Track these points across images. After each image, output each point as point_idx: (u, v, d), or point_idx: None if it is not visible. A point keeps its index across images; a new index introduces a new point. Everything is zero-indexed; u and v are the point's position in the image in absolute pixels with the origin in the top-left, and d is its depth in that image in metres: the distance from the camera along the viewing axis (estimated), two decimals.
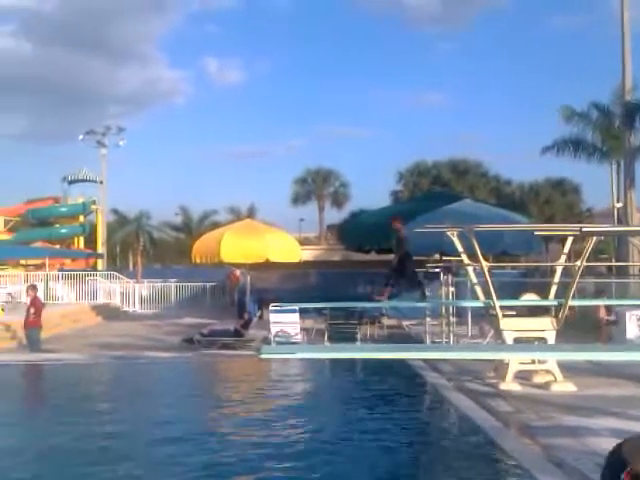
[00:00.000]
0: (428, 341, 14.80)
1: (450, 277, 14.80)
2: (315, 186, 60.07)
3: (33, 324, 15.12)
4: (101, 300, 28.99)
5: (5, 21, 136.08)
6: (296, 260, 22.89)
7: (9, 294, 26.14)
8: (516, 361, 9.72)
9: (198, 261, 23.29)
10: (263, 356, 7.26)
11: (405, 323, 19.36)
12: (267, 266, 22.24)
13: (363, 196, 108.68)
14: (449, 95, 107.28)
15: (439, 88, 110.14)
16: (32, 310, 15.19)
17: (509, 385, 9.67)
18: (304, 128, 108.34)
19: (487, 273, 10.02)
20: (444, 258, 15.75)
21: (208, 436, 7.60)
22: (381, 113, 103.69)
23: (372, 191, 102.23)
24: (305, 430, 7.82)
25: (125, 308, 29.41)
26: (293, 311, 15.45)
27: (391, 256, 21.75)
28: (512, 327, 9.96)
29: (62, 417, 8.55)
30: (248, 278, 19.91)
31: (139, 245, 41.30)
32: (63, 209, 44.81)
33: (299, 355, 7.88)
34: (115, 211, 49.36)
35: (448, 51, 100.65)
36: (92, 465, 6.37)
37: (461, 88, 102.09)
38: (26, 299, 16.64)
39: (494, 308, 10.02)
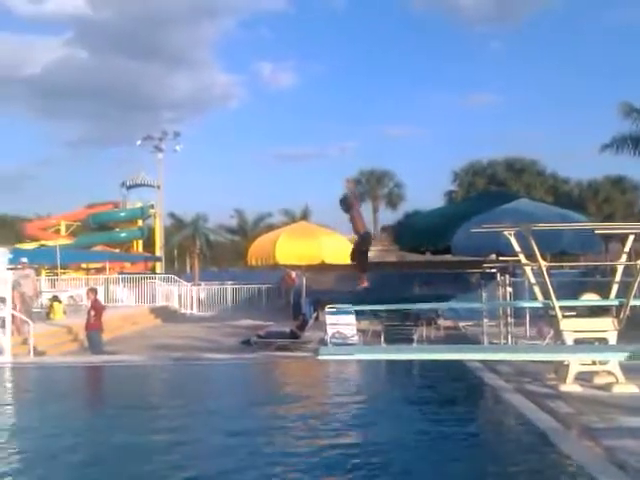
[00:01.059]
0: (486, 342, 14.63)
1: (507, 277, 14.62)
2: (369, 187, 60.00)
3: (94, 326, 15.45)
4: (160, 303, 29.49)
5: (62, 30, 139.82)
6: (351, 261, 22.90)
7: (71, 297, 26.79)
8: (576, 362, 9.54)
9: (254, 263, 23.53)
10: (321, 357, 7.30)
11: (461, 324, 19.19)
12: (322, 268, 22.33)
13: (417, 197, 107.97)
14: (503, 94, 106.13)
15: (492, 87, 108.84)
16: (93, 313, 15.52)
17: (570, 387, 9.50)
18: (357, 129, 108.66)
19: (546, 273, 9.87)
20: (500, 258, 15.57)
21: (273, 430, 7.72)
22: (435, 113, 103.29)
23: (426, 191, 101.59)
24: (359, 433, 7.81)
25: (183, 310, 29.87)
26: (349, 313, 15.46)
27: (447, 256, 21.73)
28: (572, 328, 9.79)
29: (138, 417, 8.71)
30: (303, 280, 20.04)
31: (196, 248, 41.92)
32: (122, 214, 45.76)
33: (357, 356, 7.89)
34: (172, 215, 50.19)
35: (500, 49, 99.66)
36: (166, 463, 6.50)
37: (514, 86, 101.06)
38: (87, 302, 17.04)
39: (553, 308, 9.86)
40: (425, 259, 25.10)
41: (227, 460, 6.56)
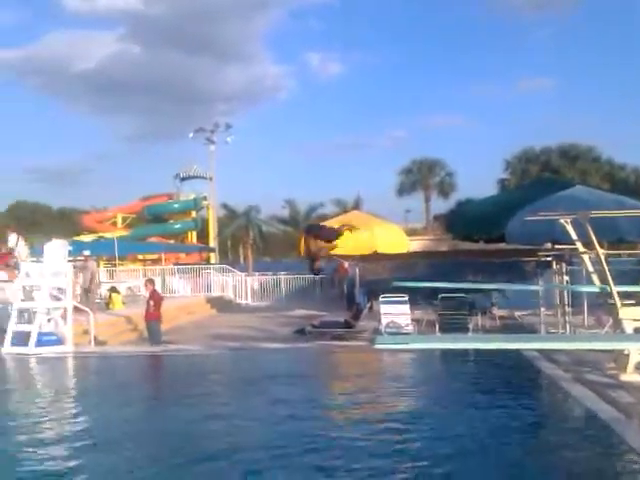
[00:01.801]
0: (543, 331, 14.50)
1: (563, 266, 14.44)
2: (421, 176, 59.59)
3: (153, 317, 15.76)
4: (215, 293, 29.88)
5: (115, 25, 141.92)
6: (404, 251, 22.84)
7: (129, 288, 27.32)
8: (637, 351, 9.40)
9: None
10: (377, 346, 7.28)
11: (517, 314, 19.00)
12: (375, 257, 22.33)
13: (469, 185, 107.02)
14: (556, 80, 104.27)
15: (544, 73, 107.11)
16: (151, 303, 15.84)
17: (630, 376, 9.36)
18: (407, 119, 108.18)
19: (604, 261, 9.75)
20: (556, 247, 15.37)
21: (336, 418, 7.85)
22: (486, 101, 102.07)
23: (478, 180, 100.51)
24: (421, 420, 7.86)
25: (238, 300, 30.21)
26: (403, 302, 15.48)
27: (501, 245, 21.51)
28: (631, 316, 9.65)
29: (204, 403, 8.94)
30: (357, 270, 20.11)
31: (249, 239, 42.28)
32: (176, 205, 46.35)
33: (413, 346, 7.92)
34: (225, 206, 50.64)
35: (552, 35, 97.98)
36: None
37: (568, 72, 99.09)
38: (145, 293, 17.39)
39: (612, 296, 9.73)
40: (478, 248, 24.89)
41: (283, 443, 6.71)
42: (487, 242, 22.77)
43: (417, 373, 11.65)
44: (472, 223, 21.68)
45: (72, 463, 6.37)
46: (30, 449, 6.81)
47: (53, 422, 8.19)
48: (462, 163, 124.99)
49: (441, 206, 59.05)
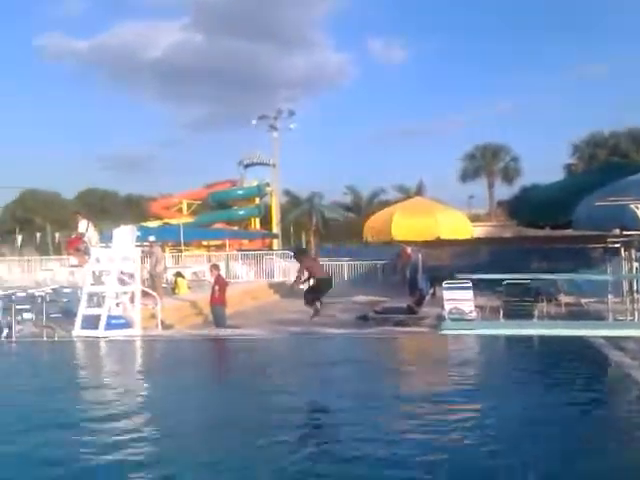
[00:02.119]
0: (610, 319, 14.18)
1: (633, 252, 14.08)
2: (484, 162, 58.69)
3: (218, 301, 16.04)
4: (278, 278, 30.13)
5: (179, 14, 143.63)
6: (467, 237, 22.63)
7: (194, 273, 27.78)
8: None
9: (369, 240, 23.61)
10: (443, 332, 7.31)
11: (584, 301, 18.62)
12: (438, 244, 22.20)
13: (534, 171, 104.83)
14: (623, 62, 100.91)
15: (611, 55, 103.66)
16: (216, 288, 16.11)
17: None
18: (472, 103, 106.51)
19: None
20: (625, 233, 15.00)
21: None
22: (551, 84, 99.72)
23: (544, 165, 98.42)
24: (490, 405, 7.81)
25: (301, 286, 30.33)
26: (467, 288, 15.33)
27: (568, 231, 21.11)
28: None
29: (276, 385, 9.14)
30: (419, 256, 20.00)
31: (312, 225, 42.46)
32: (240, 192, 46.80)
33: (479, 331, 7.91)
34: (287, 192, 50.92)
35: (619, 17, 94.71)
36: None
37: (636, 54, 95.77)
38: (210, 278, 17.67)
39: None
40: (544, 234, 24.48)
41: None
42: (553, 228, 22.40)
43: (482, 360, 11.51)
44: (538, 209, 21.35)
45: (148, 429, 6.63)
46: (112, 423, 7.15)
47: (127, 397, 8.51)
48: (527, 148, 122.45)
49: (505, 192, 58.00)
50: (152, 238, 19.74)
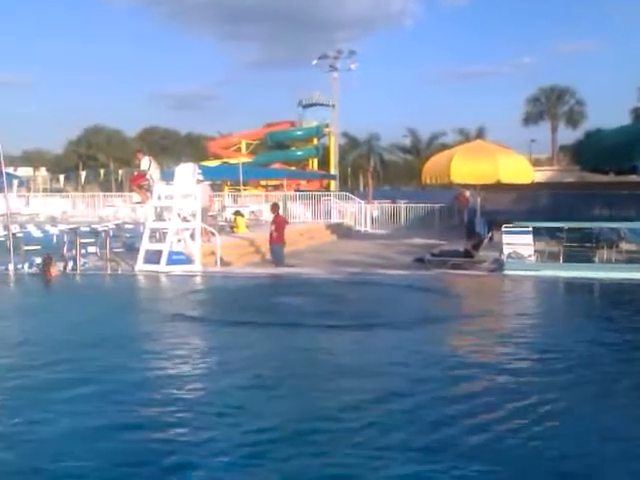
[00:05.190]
0: None
1: None
2: (548, 105, 57.22)
3: (277, 240, 16.21)
4: (335, 220, 30.30)
5: None
6: (528, 182, 22.22)
7: (252, 212, 28.10)
8: None
9: (427, 182, 23.39)
10: (506, 272, 7.18)
11: None
12: (498, 187, 21.90)
13: (599, 115, 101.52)
14: None
15: None
16: (274, 227, 16.29)
17: None
18: (534, 45, 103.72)
19: None
20: None
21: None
22: (619, 26, 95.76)
23: (610, 110, 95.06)
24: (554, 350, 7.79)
25: (357, 228, 30.52)
26: (527, 232, 15.12)
27: (633, 177, 20.60)
28: None
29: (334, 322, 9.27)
30: (478, 199, 19.82)
31: (370, 167, 42.29)
32: (298, 132, 46.80)
33: (542, 273, 7.84)
34: (346, 134, 50.57)
35: None
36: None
37: None
38: (269, 217, 17.85)
39: None
40: (608, 180, 23.90)
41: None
42: (618, 174, 21.84)
43: (544, 303, 11.39)
44: (602, 154, 20.80)
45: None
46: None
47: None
48: (593, 91, 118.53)
49: (568, 136, 56.70)
50: (199, 176, 19.94)
